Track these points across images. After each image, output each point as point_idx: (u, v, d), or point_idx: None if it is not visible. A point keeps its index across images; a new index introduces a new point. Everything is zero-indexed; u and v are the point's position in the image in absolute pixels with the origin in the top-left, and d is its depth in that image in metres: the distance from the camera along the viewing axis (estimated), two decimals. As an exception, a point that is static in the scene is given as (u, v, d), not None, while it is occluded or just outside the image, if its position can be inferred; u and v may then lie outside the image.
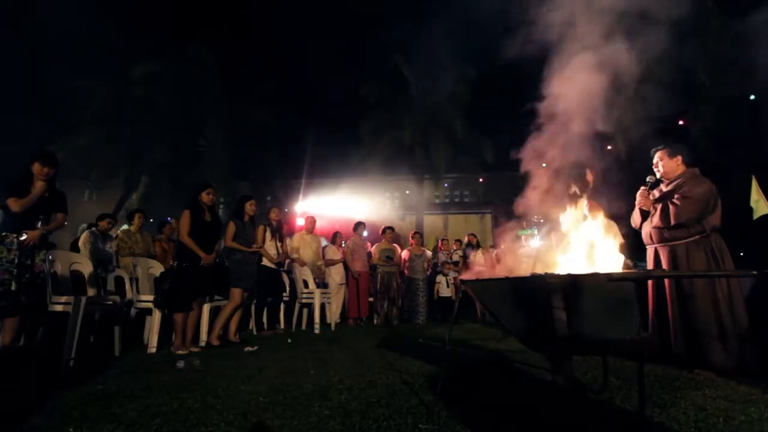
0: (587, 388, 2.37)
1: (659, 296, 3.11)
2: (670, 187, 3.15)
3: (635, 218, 3.38)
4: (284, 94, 17.33)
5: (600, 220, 4.54)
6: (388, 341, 4.40)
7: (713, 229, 2.94)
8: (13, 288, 3.03)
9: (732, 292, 2.84)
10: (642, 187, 3.31)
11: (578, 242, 2.77)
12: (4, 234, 3.06)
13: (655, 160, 3.27)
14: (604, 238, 4.36)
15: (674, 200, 3.01)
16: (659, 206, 3.11)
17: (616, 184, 3.55)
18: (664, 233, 3.08)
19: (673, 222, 2.97)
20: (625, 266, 4.19)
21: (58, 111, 15.32)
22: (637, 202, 3.33)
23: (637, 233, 3.41)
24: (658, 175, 3.26)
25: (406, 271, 6.86)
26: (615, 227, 4.42)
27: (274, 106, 17.02)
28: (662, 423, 1.86)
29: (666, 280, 3.06)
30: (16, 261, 3.07)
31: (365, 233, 6.93)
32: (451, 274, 7.18)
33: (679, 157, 3.17)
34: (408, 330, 5.61)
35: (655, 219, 3.12)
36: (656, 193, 3.27)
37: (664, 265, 3.08)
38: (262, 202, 14.33)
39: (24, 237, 3.12)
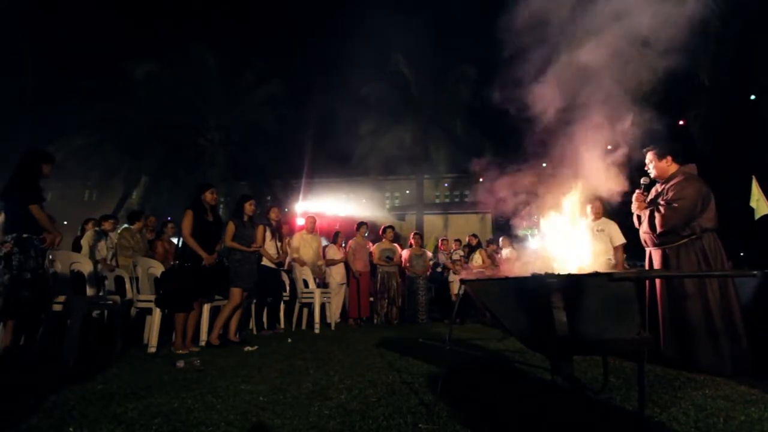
0: (587, 388, 2.37)
1: (651, 298, 3.10)
2: (662, 189, 3.15)
3: (635, 221, 3.37)
4: (284, 93, 17.34)
5: (600, 220, 4.56)
6: (388, 341, 4.40)
7: (704, 230, 2.90)
8: (27, 294, 3.02)
9: (725, 294, 2.81)
10: (637, 191, 3.28)
11: (573, 242, 2.77)
12: (26, 236, 3.03)
13: (646, 161, 3.26)
14: (600, 239, 4.35)
15: (660, 207, 2.99)
16: (647, 212, 3.09)
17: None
18: (654, 238, 3.08)
19: (659, 230, 2.96)
20: (609, 265, 4.21)
21: (59, 111, 15.34)
22: (632, 207, 3.31)
23: (635, 232, 3.41)
24: (651, 176, 3.25)
25: (407, 271, 6.86)
26: (615, 227, 4.44)
27: (274, 106, 17.04)
28: (662, 423, 1.86)
29: (657, 282, 3.05)
30: (39, 262, 3.07)
31: (366, 233, 6.93)
32: (451, 274, 7.18)
33: (669, 158, 3.13)
34: (408, 330, 5.61)
35: (645, 225, 3.12)
36: (653, 193, 3.26)
37: (657, 267, 3.07)
38: (262, 202, 14.34)
39: (46, 241, 3.12)
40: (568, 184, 3.02)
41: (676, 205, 2.91)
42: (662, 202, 3.00)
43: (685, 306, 2.84)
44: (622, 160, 3.11)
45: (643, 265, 3.43)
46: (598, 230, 4.39)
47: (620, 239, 4.38)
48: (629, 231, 4.34)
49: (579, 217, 2.90)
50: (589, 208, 4.45)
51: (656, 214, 2.98)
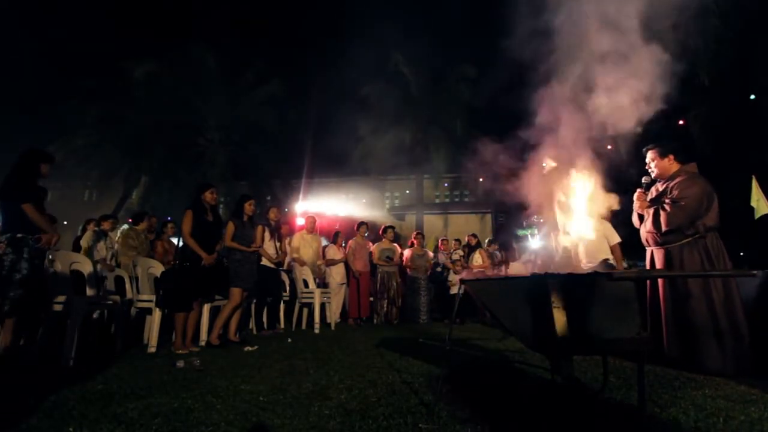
0: (587, 387, 2.37)
1: (653, 298, 3.09)
2: (664, 187, 3.12)
3: (635, 220, 3.36)
4: (284, 93, 17.33)
5: (594, 220, 4.55)
6: (388, 341, 4.40)
7: (708, 229, 2.89)
8: (17, 294, 3.00)
9: (729, 294, 2.80)
10: (638, 190, 3.27)
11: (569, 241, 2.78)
12: (20, 236, 3.01)
13: (647, 160, 3.24)
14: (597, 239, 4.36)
15: (665, 205, 2.97)
16: (651, 211, 3.07)
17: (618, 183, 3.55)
18: (657, 237, 3.06)
19: (664, 228, 2.94)
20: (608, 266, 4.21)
21: (59, 111, 15.33)
22: (633, 206, 3.30)
23: (637, 232, 3.41)
24: (653, 176, 3.24)
25: (408, 271, 6.87)
26: (609, 226, 4.44)
27: (274, 106, 17.03)
28: (662, 423, 1.86)
29: (660, 282, 3.04)
30: (36, 262, 3.05)
31: (366, 233, 6.93)
32: (451, 273, 7.19)
33: (671, 156, 3.12)
34: (408, 330, 5.61)
35: (648, 224, 3.09)
36: (653, 192, 3.24)
37: (659, 267, 3.05)
38: (262, 202, 14.34)
39: (41, 241, 3.09)
40: (563, 185, 3.02)
41: (682, 203, 2.89)
42: (667, 201, 2.98)
43: (689, 306, 2.82)
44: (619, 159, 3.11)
45: (644, 265, 3.42)
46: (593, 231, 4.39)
47: (616, 238, 4.39)
48: (622, 230, 4.35)
49: (574, 219, 2.90)
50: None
51: (661, 213, 2.96)
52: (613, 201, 3.22)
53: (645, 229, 3.16)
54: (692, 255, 2.90)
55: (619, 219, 3.88)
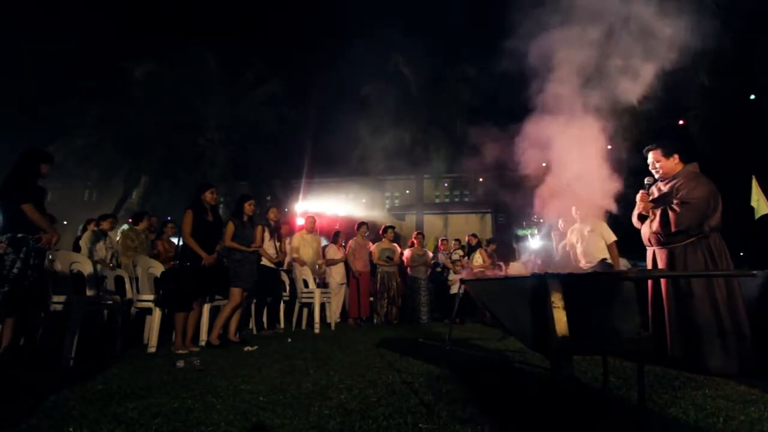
0: (587, 388, 2.37)
1: (656, 298, 3.08)
2: (668, 187, 3.09)
3: (635, 221, 3.35)
4: (284, 93, 17.32)
5: (588, 221, 4.56)
6: (388, 341, 4.40)
7: (712, 229, 2.89)
8: (17, 290, 3.00)
9: (731, 293, 2.80)
10: (641, 191, 3.26)
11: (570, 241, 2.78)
12: (21, 236, 3.02)
13: (650, 160, 3.21)
14: (593, 239, 4.36)
15: (673, 206, 2.94)
16: (658, 212, 3.04)
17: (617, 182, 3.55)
18: (661, 237, 3.06)
19: (673, 229, 2.91)
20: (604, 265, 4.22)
21: (59, 111, 15.33)
22: (636, 207, 3.29)
23: (635, 232, 3.40)
24: (656, 176, 3.23)
25: (409, 271, 6.86)
26: (605, 225, 4.45)
27: (275, 105, 17.02)
28: (662, 423, 1.86)
29: (663, 282, 3.03)
30: (32, 263, 3.04)
31: (366, 233, 6.93)
32: (451, 273, 7.19)
33: (676, 156, 3.11)
34: (408, 330, 5.61)
35: (655, 225, 3.06)
36: (655, 192, 3.23)
37: (662, 267, 3.05)
38: (262, 202, 14.33)
39: (42, 240, 3.09)
40: (560, 187, 3.02)
41: (691, 203, 2.88)
42: (676, 201, 2.96)
43: (693, 306, 2.82)
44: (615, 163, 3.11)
45: (644, 265, 3.41)
46: (588, 231, 4.40)
47: (613, 236, 4.40)
48: (617, 229, 4.36)
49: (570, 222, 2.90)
50: (574, 211, 4.47)
51: (670, 214, 2.93)
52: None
53: (650, 230, 3.13)
54: (695, 255, 2.89)
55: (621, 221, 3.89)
